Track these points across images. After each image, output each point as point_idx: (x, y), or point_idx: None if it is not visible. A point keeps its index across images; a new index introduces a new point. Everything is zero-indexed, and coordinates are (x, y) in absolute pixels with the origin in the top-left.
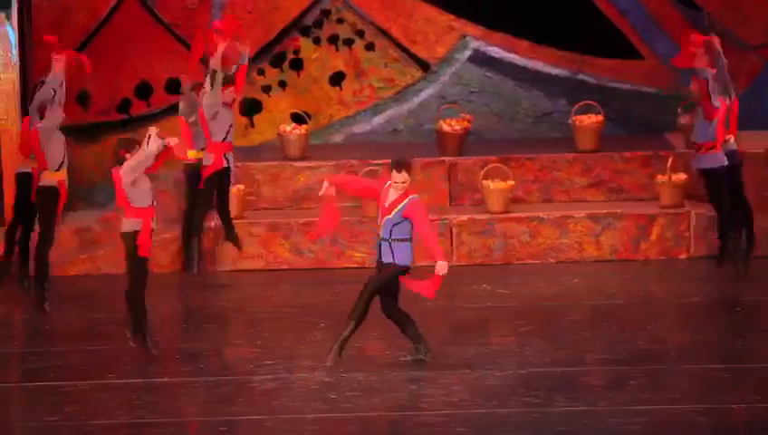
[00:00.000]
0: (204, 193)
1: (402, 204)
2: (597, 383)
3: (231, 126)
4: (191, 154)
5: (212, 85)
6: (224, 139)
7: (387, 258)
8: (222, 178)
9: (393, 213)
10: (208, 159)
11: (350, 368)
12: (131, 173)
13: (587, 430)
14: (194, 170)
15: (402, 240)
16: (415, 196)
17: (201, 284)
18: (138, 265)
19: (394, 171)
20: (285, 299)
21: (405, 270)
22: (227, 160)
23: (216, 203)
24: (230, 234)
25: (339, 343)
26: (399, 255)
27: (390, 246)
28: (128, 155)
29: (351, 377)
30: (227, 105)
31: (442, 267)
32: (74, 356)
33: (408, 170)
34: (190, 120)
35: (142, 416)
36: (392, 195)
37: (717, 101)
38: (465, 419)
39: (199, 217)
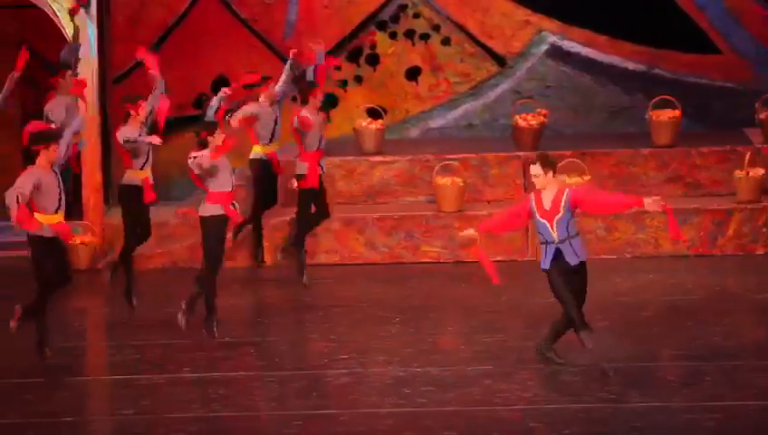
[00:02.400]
0: (302, 207)
1: (564, 198)
2: (672, 379)
3: (323, 134)
4: (256, 149)
5: (306, 100)
6: (318, 147)
7: (572, 259)
8: (318, 191)
9: (562, 210)
10: (303, 169)
11: (425, 363)
12: (197, 168)
13: (661, 427)
14: (259, 166)
15: (577, 235)
16: (570, 187)
17: (275, 278)
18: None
19: (531, 165)
20: (360, 294)
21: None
22: (322, 167)
23: (316, 219)
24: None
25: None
26: (580, 250)
27: (571, 245)
28: (210, 138)
29: (426, 372)
30: (318, 111)
31: (651, 204)
32: (150, 350)
33: (544, 164)
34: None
35: (217, 410)
36: (546, 197)
37: None
38: (538, 414)
39: (303, 233)
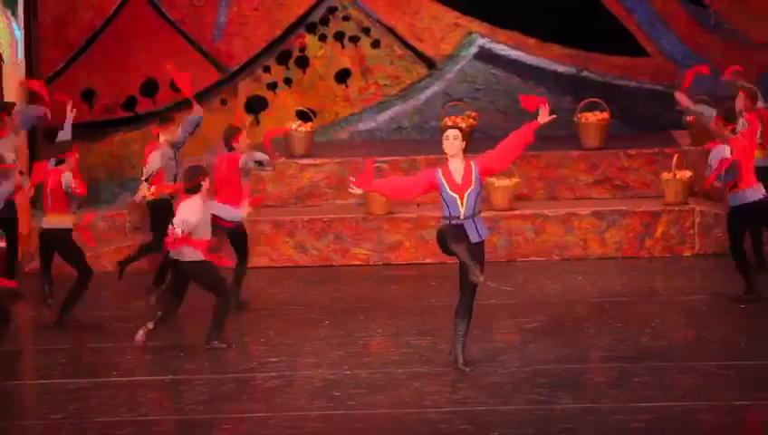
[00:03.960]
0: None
1: (473, 168)
2: (601, 380)
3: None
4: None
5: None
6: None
7: (474, 237)
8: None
9: (474, 182)
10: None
11: (355, 365)
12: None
13: (591, 428)
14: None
15: (481, 212)
16: (472, 159)
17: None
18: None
19: (449, 130)
20: (290, 296)
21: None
22: None
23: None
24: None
25: (459, 347)
26: (482, 228)
27: (475, 222)
28: (203, 182)
29: (355, 374)
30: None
31: (542, 115)
32: (78, 354)
33: (460, 129)
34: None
35: (146, 413)
36: (456, 172)
37: None
38: (468, 416)
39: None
